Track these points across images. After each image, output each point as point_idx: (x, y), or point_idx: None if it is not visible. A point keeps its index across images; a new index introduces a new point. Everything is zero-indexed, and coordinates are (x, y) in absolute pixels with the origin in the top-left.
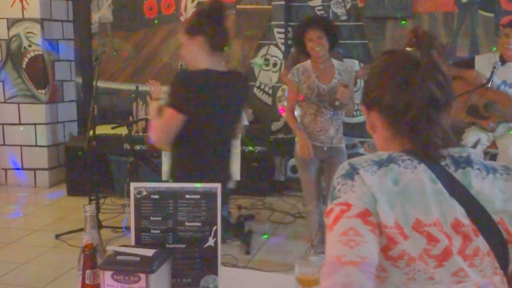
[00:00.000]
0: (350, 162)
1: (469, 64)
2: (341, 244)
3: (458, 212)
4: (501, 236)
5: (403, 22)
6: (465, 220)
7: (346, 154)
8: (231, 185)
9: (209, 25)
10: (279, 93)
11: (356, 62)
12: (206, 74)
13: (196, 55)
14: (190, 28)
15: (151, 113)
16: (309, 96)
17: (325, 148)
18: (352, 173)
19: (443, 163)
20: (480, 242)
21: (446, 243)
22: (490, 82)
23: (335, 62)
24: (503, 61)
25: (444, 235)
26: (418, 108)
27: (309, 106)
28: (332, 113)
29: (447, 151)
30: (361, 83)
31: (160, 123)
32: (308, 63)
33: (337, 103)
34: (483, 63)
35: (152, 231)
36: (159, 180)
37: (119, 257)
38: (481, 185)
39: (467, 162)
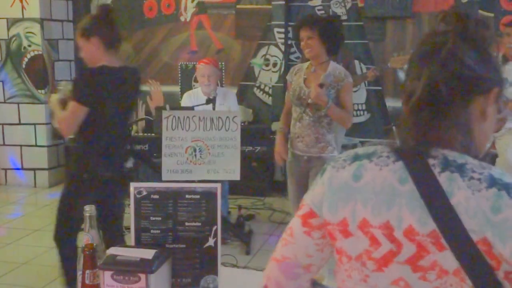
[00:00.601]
0: (332, 158)
1: None
2: (280, 240)
3: (417, 219)
4: (481, 259)
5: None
6: (423, 230)
7: None
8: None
9: (102, 27)
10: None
11: (356, 62)
12: (103, 70)
13: (93, 55)
14: (85, 31)
15: (52, 107)
16: (291, 98)
17: (305, 157)
18: (324, 169)
19: (430, 162)
20: (442, 257)
21: (388, 249)
22: None
23: (332, 66)
24: (505, 60)
25: (389, 240)
26: (418, 97)
27: (295, 109)
28: (312, 119)
29: (443, 151)
30: (367, 84)
31: (66, 114)
32: (306, 63)
33: (309, 101)
34: None
35: (152, 231)
36: (159, 180)
37: (119, 257)
38: (466, 196)
39: (459, 168)
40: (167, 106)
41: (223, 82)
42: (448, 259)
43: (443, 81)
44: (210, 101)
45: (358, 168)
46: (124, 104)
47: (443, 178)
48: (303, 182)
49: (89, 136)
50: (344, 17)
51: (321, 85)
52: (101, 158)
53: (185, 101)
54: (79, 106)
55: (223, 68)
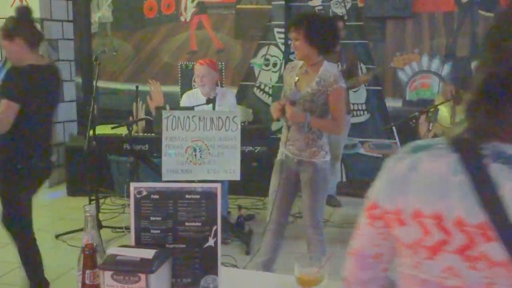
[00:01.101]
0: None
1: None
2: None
3: (466, 210)
4: None
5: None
6: (472, 221)
7: (324, 170)
8: (53, 158)
9: (23, 27)
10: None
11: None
12: (32, 68)
13: (19, 55)
14: (8, 32)
15: None
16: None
17: (295, 160)
18: (385, 162)
19: (484, 154)
20: (490, 248)
21: (439, 238)
22: None
23: (324, 68)
24: None
25: (439, 230)
26: (476, 86)
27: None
28: (301, 124)
29: (498, 143)
30: (367, 84)
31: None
32: (301, 62)
33: (289, 123)
34: None
35: (152, 231)
36: (159, 180)
37: (119, 257)
38: None
39: (509, 159)
40: (167, 106)
41: (223, 82)
42: (496, 250)
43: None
44: (210, 101)
45: (415, 160)
46: (49, 100)
47: (494, 169)
48: (290, 182)
49: (19, 130)
50: (344, 17)
51: (292, 103)
52: (32, 150)
53: (184, 101)
54: (11, 103)
55: (223, 68)
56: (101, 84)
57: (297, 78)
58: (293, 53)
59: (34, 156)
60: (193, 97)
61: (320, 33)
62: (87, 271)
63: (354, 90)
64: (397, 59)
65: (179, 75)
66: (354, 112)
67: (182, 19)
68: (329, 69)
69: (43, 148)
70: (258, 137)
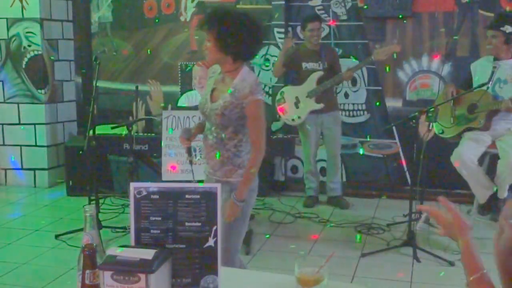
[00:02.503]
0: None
1: (468, 80)
2: None
3: None
4: None
5: (400, 16)
6: None
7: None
8: None
9: None
10: (278, 96)
11: (356, 61)
12: None
13: None
14: None
15: None
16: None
17: (214, 180)
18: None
19: None
20: None
21: None
22: (491, 81)
23: (241, 76)
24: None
25: None
26: None
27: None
28: (215, 140)
29: None
30: (348, 84)
31: None
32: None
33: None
34: (480, 66)
35: (152, 231)
36: (159, 180)
37: (119, 257)
38: None
39: None
40: (169, 106)
41: None
42: None
43: None
44: None
45: None
46: None
47: None
48: None
49: None
50: (344, 17)
51: (187, 140)
52: None
53: (182, 101)
54: None
55: None
56: (101, 84)
57: (214, 86)
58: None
59: None
60: (193, 98)
61: (235, 38)
62: (87, 271)
63: (354, 90)
64: (377, 52)
65: (179, 75)
66: (354, 112)
67: (182, 19)
68: (247, 78)
69: None
70: None
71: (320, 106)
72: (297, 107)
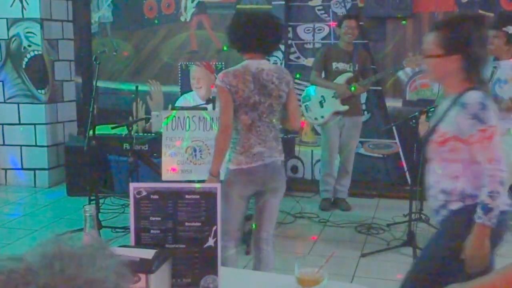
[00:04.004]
0: None
1: None
2: None
3: None
4: None
5: (403, 22)
6: None
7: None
8: None
9: None
10: (304, 93)
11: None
12: None
13: None
14: None
15: None
16: None
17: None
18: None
19: None
20: None
21: None
22: (491, 82)
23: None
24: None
25: None
26: None
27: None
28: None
29: None
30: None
31: None
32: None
33: None
34: None
35: (151, 231)
36: (159, 180)
37: None
38: None
39: None
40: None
41: None
42: None
43: None
44: (210, 101)
45: None
46: None
47: None
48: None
49: None
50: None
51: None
52: None
53: (181, 102)
54: None
55: (223, 68)
56: (101, 84)
57: None
58: (293, 53)
59: None
60: (192, 98)
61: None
62: None
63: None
64: (410, 59)
65: (179, 75)
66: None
67: (182, 19)
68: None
69: None
70: None
71: (345, 108)
72: (322, 107)
